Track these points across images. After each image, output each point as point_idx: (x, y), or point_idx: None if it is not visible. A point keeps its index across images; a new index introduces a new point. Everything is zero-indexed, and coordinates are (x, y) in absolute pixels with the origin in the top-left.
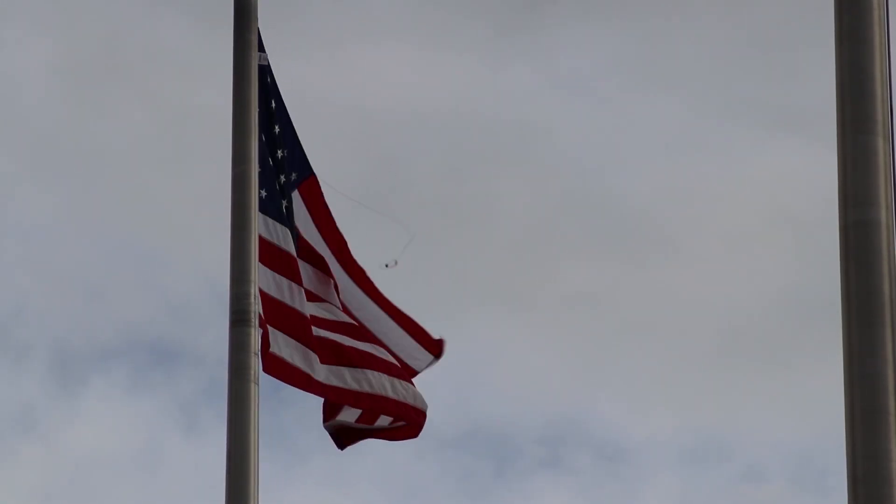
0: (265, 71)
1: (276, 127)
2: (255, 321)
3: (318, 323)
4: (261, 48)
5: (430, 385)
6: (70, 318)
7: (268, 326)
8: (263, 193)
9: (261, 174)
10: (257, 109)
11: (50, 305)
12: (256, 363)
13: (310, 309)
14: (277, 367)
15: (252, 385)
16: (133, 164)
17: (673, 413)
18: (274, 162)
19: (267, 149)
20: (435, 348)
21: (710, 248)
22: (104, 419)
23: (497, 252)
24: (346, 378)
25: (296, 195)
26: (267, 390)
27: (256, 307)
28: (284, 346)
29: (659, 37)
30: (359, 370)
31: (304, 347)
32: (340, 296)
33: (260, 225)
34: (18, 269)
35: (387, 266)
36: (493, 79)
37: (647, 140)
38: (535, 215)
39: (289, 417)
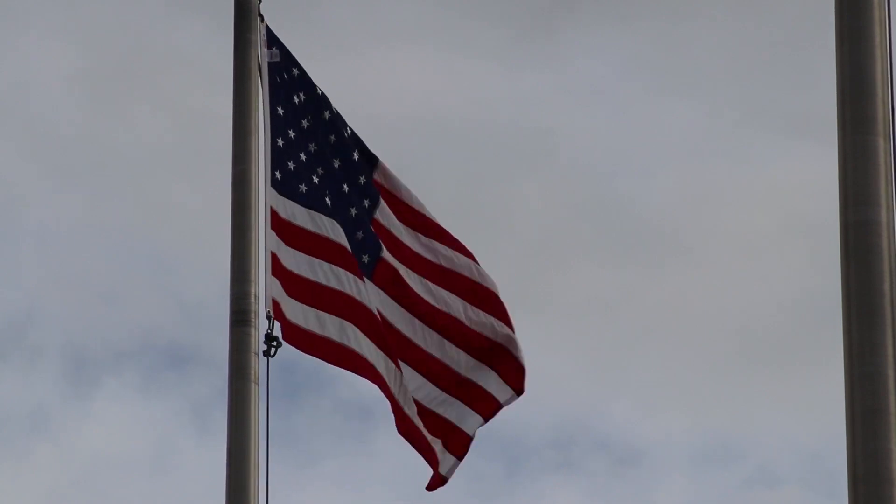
0: (279, 67)
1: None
2: (255, 321)
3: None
4: (272, 45)
5: None
6: (84, 320)
7: (285, 298)
8: (304, 188)
9: (297, 166)
10: (261, 110)
11: (64, 308)
12: (257, 363)
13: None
14: (299, 337)
15: (252, 385)
16: (150, 168)
17: (685, 416)
18: (317, 152)
19: (304, 140)
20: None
21: (725, 252)
22: (116, 421)
23: (512, 256)
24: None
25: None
26: (280, 393)
27: (257, 307)
28: (313, 320)
29: (675, 42)
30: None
31: (346, 323)
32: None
33: (304, 217)
34: (33, 271)
35: None
36: (510, 84)
37: (662, 145)
38: (550, 220)
39: (302, 419)
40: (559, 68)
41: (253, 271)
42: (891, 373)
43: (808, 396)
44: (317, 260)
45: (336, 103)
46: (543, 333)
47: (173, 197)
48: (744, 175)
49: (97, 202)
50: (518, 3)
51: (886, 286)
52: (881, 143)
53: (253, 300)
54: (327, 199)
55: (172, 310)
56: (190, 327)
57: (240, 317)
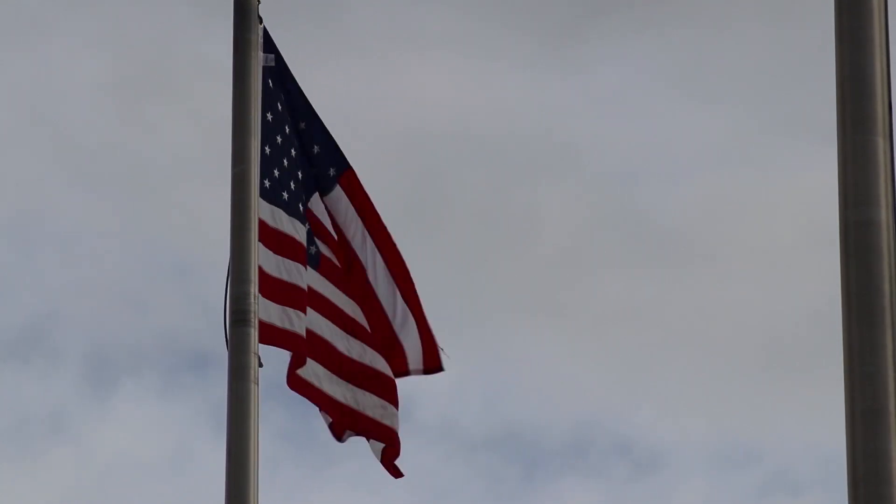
0: (272, 71)
1: (302, 123)
2: (254, 321)
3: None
4: (269, 49)
5: (461, 388)
6: (105, 323)
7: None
8: (285, 195)
9: (280, 172)
10: (260, 111)
11: (85, 311)
12: (256, 363)
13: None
14: (273, 336)
15: (252, 385)
16: (174, 174)
17: (705, 420)
18: (298, 156)
19: (295, 142)
20: (433, 362)
21: (748, 260)
22: (135, 422)
23: (538, 264)
24: (330, 384)
25: (337, 189)
26: (297, 395)
27: (256, 307)
28: (281, 316)
29: (700, 50)
30: (347, 384)
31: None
32: (371, 282)
33: (282, 220)
34: (56, 275)
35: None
36: (535, 91)
37: (686, 153)
38: (575, 229)
39: (318, 420)
40: (584, 76)
41: (252, 271)
42: (891, 373)
43: (828, 401)
44: (284, 259)
45: (358, 109)
46: (566, 340)
47: (196, 202)
48: (768, 183)
49: (122, 208)
50: (544, 12)
51: (886, 286)
52: (881, 142)
53: (252, 300)
54: (300, 206)
55: (193, 313)
56: (210, 331)
57: (239, 316)
